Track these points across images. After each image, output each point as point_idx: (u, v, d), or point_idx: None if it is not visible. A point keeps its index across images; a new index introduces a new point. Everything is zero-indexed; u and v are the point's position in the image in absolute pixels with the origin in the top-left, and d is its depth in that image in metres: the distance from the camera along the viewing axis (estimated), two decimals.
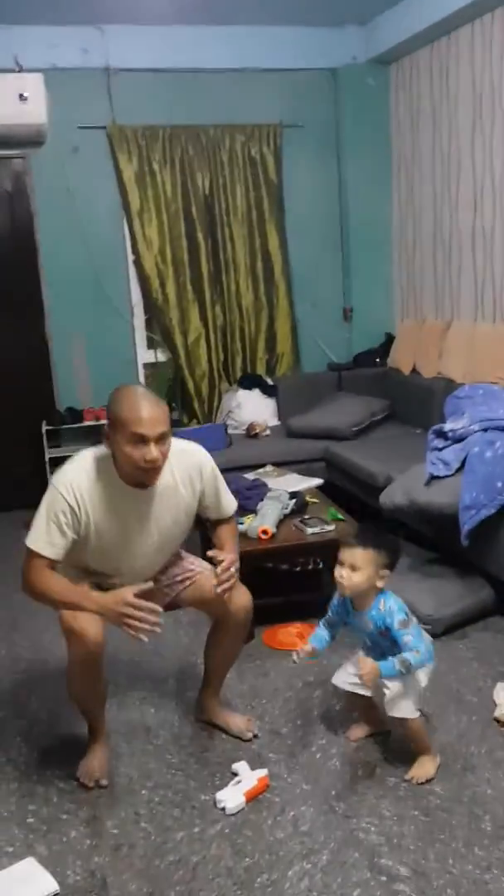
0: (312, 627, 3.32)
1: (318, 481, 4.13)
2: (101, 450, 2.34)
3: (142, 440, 2.19)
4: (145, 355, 5.61)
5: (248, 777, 2.40)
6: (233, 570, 2.42)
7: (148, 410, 2.20)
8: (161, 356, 5.61)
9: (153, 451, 2.20)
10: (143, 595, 2.25)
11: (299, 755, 2.56)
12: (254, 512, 3.53)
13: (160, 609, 2.25)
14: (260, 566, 3.51)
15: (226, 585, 2.39)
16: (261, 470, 4.35)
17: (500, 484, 3.17)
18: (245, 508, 3.61)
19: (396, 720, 2.43)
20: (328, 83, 5.53)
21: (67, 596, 2.27)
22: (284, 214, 5.59)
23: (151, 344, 5.62)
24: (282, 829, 2.24)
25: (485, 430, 3.47)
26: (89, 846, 2.21)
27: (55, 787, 2.47)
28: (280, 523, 3.44)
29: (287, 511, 3.54)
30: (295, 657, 2.48)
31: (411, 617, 2.42)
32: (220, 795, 2.34)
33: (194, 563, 2.65)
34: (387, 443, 4.65)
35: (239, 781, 2.39)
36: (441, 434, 3.68)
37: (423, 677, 2.40)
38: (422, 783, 2.38)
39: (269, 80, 5.38)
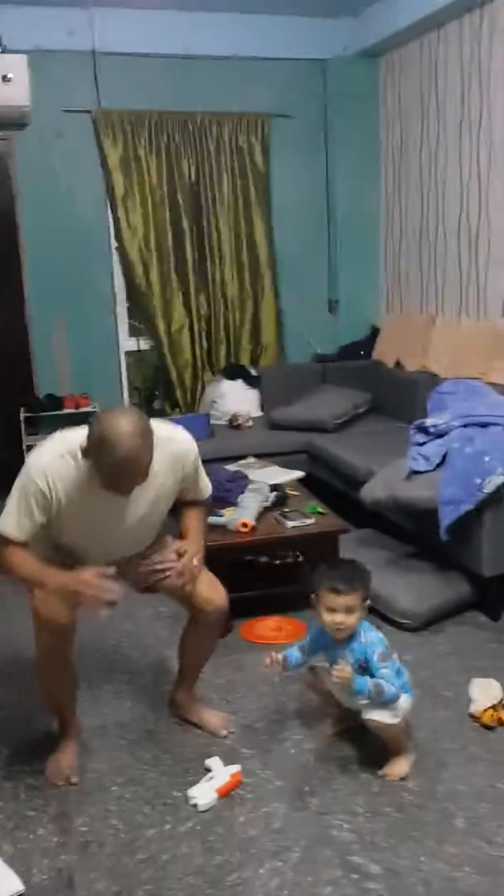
0: (290, 620, 3.34)
1: (299, 474, 4.10)
2: (82, 435, 2.16)
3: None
4: (128, 343, 5.55)
5: (220, 773, 2.37)
6: (195, 561, 2.39)
7: (128, 478, 2.13)
8: (144, 344, 5.54)
9: (133, 490, 2.20)
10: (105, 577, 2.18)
11: (273, 750, 2.54)
12: (234, 504, 3.50)
13: (117, 588, 2.17)
14: (239, 559, 3.49)
15: (185, 578, 2.37)
16: (242, 461, 4.31)
17: (478, 480, 3.15)
18: (225, 501, 3.58)
19: (373, 723, 2.40)
20: (318, 74, 5.47)
21: (31, 574, 2.25)
22: (271, 204, 5.54)
23: (134, 332, 5.55)
24: (254, 826, 2.22)
25: (465, 425, 3.46)
26: (56, 844, 2.18)
27: (23, 784, 2.43)
28: (260, 516, 3.41)
29: (268, 504, 3.51)
30: (268, 661, 2.44)
31: (391, 651, 2.39)
32: (192, 792, 2.31)
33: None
34: (369, 436, 4.63)
35: (212, 777, 2.36)
36: (423, 429, 3.66)
37: (406, 705, 2.38)
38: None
39: (259, 69, 5.32)
